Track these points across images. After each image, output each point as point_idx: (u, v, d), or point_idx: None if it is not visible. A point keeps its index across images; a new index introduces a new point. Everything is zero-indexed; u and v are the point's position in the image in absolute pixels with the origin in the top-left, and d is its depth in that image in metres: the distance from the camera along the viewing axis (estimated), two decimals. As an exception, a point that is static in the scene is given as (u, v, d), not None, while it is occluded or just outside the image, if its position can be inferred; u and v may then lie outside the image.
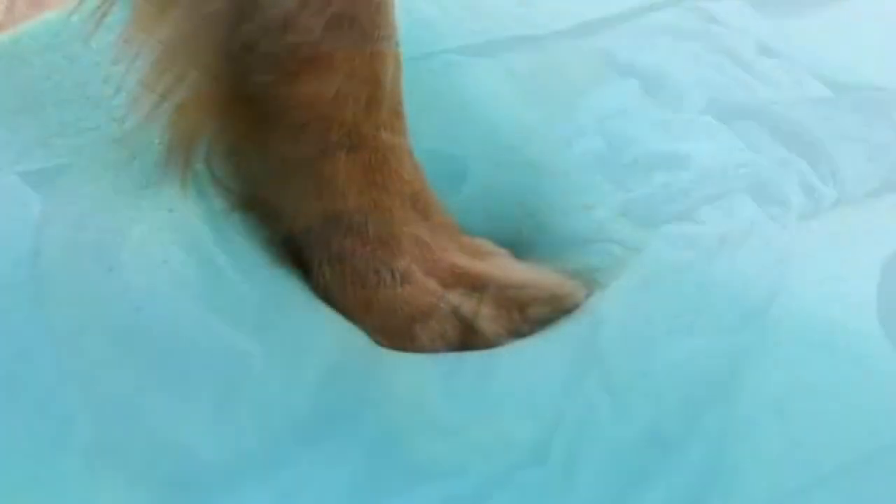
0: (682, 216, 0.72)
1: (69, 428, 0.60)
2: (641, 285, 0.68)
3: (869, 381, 0.62)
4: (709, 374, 0.63)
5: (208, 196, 0.68)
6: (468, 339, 0.66)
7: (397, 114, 0.65)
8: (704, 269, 0.68)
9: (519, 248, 0.71)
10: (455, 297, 0.66)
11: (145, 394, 0.61)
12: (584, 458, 0.60)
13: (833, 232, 0.71)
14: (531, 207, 0.73)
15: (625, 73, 0.81)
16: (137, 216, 0.67)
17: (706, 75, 0.82)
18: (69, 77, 0.76)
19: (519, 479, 0.59)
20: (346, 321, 0.65)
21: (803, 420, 0.60)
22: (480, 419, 0.62)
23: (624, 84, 0.81)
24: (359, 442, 0.61)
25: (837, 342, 0.64)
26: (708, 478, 0.58)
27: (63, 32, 0.78)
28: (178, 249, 0.65)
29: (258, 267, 0.66)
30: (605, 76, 0.81)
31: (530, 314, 0.67)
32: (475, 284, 0.67)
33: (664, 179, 0.73)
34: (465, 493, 0.59)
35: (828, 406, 0.61)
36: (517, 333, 0.67)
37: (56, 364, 0.62)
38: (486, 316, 0.66)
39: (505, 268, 0.69)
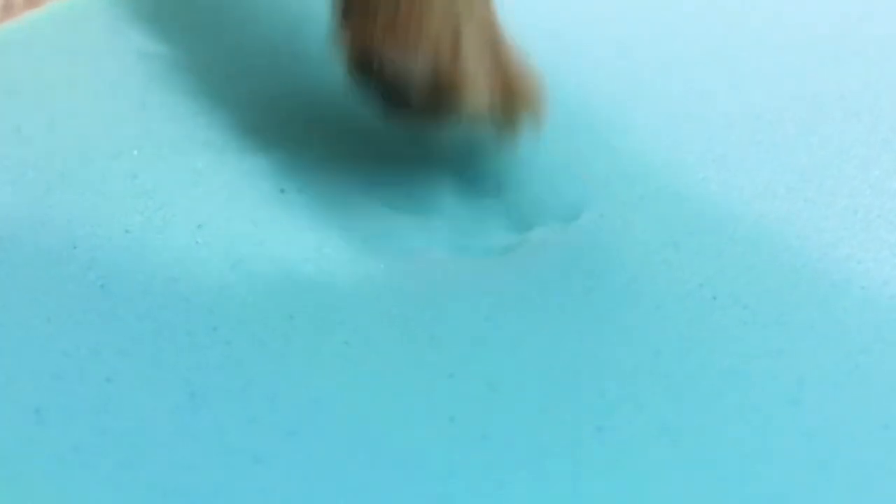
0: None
1: (39, 424, 0.58)
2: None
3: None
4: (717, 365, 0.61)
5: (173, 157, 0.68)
6: (453, 76, 0.64)
7: None
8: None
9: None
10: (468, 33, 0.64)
11: (114, 385, 0.59)
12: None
13: (850, 209, 0.70)
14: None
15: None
16: (102, 187, 0.67)
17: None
18: (52, 66, 0.77)
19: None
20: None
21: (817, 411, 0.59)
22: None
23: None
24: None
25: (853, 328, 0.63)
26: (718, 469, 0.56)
27: (49, 27, 0.80)
28: (139, 217, 0.65)
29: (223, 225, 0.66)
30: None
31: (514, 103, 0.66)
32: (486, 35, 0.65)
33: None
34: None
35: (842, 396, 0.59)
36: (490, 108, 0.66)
37: (24, 356, 0.60)
38: (479, 71, 0.65)
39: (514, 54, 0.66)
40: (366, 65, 0.63)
